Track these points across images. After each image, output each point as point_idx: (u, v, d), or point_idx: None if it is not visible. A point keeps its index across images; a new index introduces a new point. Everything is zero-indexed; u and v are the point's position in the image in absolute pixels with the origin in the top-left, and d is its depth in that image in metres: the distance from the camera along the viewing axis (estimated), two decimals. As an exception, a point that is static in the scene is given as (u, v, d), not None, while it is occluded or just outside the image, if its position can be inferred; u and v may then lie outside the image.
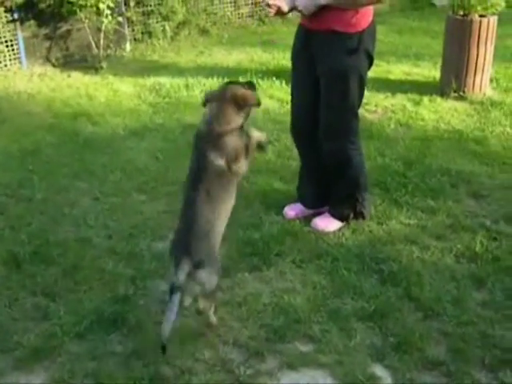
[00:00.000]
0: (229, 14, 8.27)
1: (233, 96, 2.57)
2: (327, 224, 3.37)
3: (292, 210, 3.50)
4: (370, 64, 3.18)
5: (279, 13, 3.06)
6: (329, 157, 3.28)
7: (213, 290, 2.51)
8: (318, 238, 3.26)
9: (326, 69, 3.10)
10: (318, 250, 3.16)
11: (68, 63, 6.92)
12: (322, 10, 2.98)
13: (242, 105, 2.58)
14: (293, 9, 3.07)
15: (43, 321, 2.71)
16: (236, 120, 2.58)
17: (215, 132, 2.55)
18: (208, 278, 2.45)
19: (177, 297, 2.36)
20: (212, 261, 2.47)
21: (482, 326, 2.63)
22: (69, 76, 6.51)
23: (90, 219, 3.55)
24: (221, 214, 2.54)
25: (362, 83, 3.16)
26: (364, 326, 2.64)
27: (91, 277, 2.99)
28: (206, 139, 2.59)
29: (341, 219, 3.39)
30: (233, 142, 2.56)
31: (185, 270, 2.36)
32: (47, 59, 6.94)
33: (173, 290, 2.37)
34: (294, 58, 3.35)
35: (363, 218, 3.41)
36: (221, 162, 2.55)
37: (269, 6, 3.02)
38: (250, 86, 2.78)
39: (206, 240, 2.47)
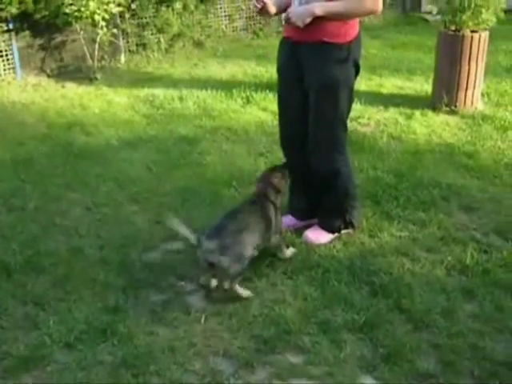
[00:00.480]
0: (223, 27, 8.32)
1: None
2: (318, 236, 3.38)
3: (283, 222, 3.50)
4: (357, 73, 3.20)
5: (265, 12, 3.08)
6: (317, 169, 3.28)
7: (236, 274, 2.82)
8: (309, 250, 3.27)
9: (316, 80, 3.08)
10: (309, 261, 3.16)
11: (62, 74, 6.94)
12: (311, 21, 2.97)
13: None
14: (280, 13, 3.12)
15: (33, 330, 2.70)
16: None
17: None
18: (231, 264, 2.79)
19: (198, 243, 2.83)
20: (238, 253, 2.82)
21: (472, 338, 2.63)
22: (63, 87, 6.52)
23: (81, 229, 3.55)
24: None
25: (350, 93, 3.18)
26: (354, 337, 2.64)
27: (82, 286, 2.98)
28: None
29: (331, 231, 3.39)
30: None
31: (213, 243, 2.79)
32: (42, 69, 6.96)
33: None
34: (281, 72, 3.32)
35: (353, 227, 3.43)
36: None
37: (259, 4, 3.04)
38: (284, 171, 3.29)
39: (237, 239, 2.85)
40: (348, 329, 2.68)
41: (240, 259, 2.82)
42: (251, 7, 8.41)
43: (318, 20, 2.96)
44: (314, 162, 3.27)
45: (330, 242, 3.36)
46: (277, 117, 5.10)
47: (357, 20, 3.11)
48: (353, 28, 3.07)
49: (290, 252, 3.20)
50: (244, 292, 2.88)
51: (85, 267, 3.15)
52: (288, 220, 3.52)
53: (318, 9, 2.93)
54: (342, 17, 2.99)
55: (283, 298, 2.89)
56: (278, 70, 3.34)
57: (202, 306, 2.84)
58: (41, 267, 3.15)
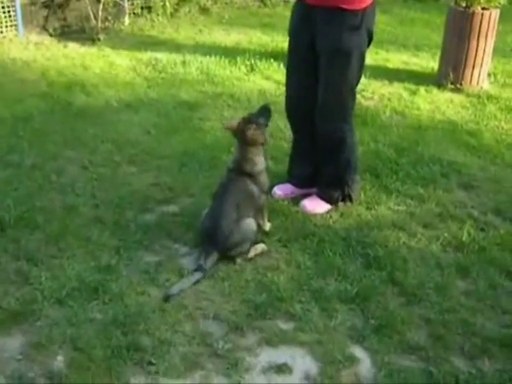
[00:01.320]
0: (231, -7, 8.20)
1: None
2: (315, 206, 3.35)
3: (280, 190, 3.48)
4: (369, 42, 3.17)
5: None
6: (323, 137, 3.26)
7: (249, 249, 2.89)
8: (305, 219, 3.25)
9: (329, 45, 3.06)
10: (304, 230, 3.15)
11: (65, 33, 6.83)
12: None
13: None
14: None
15: (24, 285, 2.69)
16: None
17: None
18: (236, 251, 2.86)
19: (199, 274, 2.73)
20: (240, 239, 2.85)
21: (463, 314, 2.63)
22: (65, 46, 6.43)
23: (77, 188, 3.52)
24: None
25: (362, 61, 3.16)
26: (346, 307, 2.63)
27: (75, 244, 2.97)
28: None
29: (329, 202, 3.37)
30: None
31: (213, 257, 2.80)
32: (44, 28, 6.85)
33: (198, 269, 2.75)
34: (293, 35, 3.29)
35: (351, 201, 3.40)
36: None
37: None
38: (264, 114, 3.04)
39: (232, 231, 2.84)
40: (340, 299, 2.68)
41: (247, 238, 2.88)
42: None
43: None
44: (320, 129, 3.25)
45: (327, 212, 3.33)
46: (280, 86, 5.18)
47: None
48: None
49: (268, 226, 3.13)
50: (258, 248, 2.94)
51: (79, 225, 3.14)
52: (286, 188, 3.50)
53: None
54: None
55: (277, 264, 2.88)
56: (290, 33, 3.31)
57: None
58: (35, 224, 3.13)
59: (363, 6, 3.02)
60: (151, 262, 2.86)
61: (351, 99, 3.24)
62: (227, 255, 2.85)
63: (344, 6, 2.97)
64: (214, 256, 2.81)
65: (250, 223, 2.90)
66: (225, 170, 3.07)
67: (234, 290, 2.69)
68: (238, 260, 2.86)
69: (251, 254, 2.89)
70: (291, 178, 3.54)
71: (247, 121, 2.98)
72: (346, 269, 2.86)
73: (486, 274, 2.91)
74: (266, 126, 3.07)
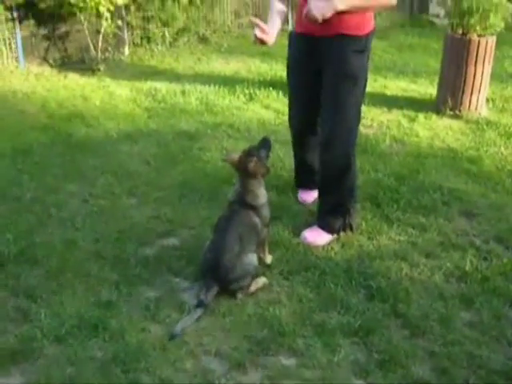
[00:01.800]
0: (229, 22, 8.27)
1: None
2: (316, 237, 3.34)
3: (306, 196, 3.75)
4: None
5: (264, 42, 3.06)
6: (329, 164, 3.32)
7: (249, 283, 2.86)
8: (306, 251, 3.23)
9: (336, 71, 3.16)
10: (306, 262, 3.12)
11: (65, 64, 6.89)
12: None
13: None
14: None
15: (24, 322, 2.67)
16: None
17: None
18: (238, 285, 2.83)
19: (201, 310, 2.70)
20: (242, 273, 2.82)
21: (468, 347, 2.60)
22: (65, 77, 6.47)
23: (77, 221, 3.51)
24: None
25: (365, 83, 3.27)
26: (349, 341, 2.60)
27: (75, 280, 2.95)
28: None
29: (330, 231, 3.36)
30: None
31: (214, 291, 2.77)
32: (45, 59, 6.91)
33: (200, 304, 2.72)
34: (296, 69, 3.38)
35: (352, 230, 3.39)
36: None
37: (256, 38, 3.03)
38: (265, 146, 3.07)
39: (235, 265, 2.81)
40: (343, 332, 2.64)
41: (249, 273, 2.86)
42: (257, 4, 8.38)
43: (336, 14, 2.97)
44: (327, 157, 3.30)
45: (328, 243, 3.32)
46: (279, 115, 5.20)
47: (372, 14, 3.21)
48: (370, 21, 3.18)
49: (269, 259, 3.11)
50: (259, 282, 2.91)
51: (79, 260, 3.12)
52: (305, 195, 3.76)
53: (341, 4, 2.94)
54: (360, 10, 3.07)
55: (278, 298, 2.85)
56: (292, 67, 3.42)
57: (196, 304, 2.79)
58: (34, 259, 3.12)
59: (366, 31, 3.16)
60: (151, 297, 2.84)
61: (357, 124, 3.30)
62: (228, 290, 2.82)
63: (349, 33, 3.10)
64: (215, 290, 2.78)
65: (252, 258, 2.88)
66: (226, 202, 3.05)
67: (235, 326, 2.66)
68: (239, 295, 2.83)
69: (252, 288, 2.86)
70: (310, 183, 3.73)
71: (248, 153, 2.98)
72: (349, 301, 2.83)
73: (490, 304, 2.87)
74: (267, 158, 3.07)
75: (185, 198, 3.77)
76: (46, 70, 6.70)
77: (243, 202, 2.94)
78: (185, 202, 3.74)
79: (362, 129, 4.89)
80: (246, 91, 5.83)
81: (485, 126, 5.13)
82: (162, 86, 6.05)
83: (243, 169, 2.95)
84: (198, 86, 6.05)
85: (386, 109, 5.53)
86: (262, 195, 2.99)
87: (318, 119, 3.36)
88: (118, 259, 3.13)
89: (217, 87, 5.97)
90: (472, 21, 5.21)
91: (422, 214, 3.64)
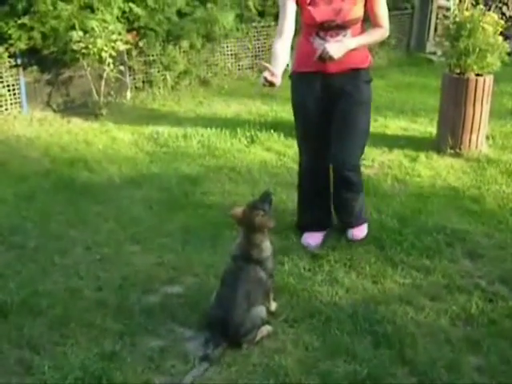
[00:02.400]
0: (229, 65, 8.40)
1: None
2: (362, 232, 3.85)
3: (312, 240, 3.81)
4: None
5: (271, 85, 3.23)
6: (352, 178, 3.71)
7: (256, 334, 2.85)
8: (311, 296, 3.21)
9: (354, 100, 3.58)
10: (311, 308, 3.10)
11: (68, 109, 6.99)
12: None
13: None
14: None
15: (26, 376, 2.64)
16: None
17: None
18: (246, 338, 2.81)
19: (207, 364, 2.67)
20: (251, 327, 2.81)
21: (477, 393, 2.56)
22: (68, 122, 6.55)
23: (80, 269, 3.50)
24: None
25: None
26: (356, 390, 2.57)
27: (78, 330, 2.92)
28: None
29: (364, 222, 3.89)
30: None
31: (222, 347, 2.75)
32: (48, 104, 7.01)
33: (206, 359, 2.69)
34: (307, 106, 3.63)
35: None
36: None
37: (266, 80, 3.18)
38: (267, 199, 3.06)
39: (244, 321, 2.79)
40: (350, 381, 2.60)
41: (257, 326, 2.85)
42: (257, 46, 8.52)
43: (349, 51, 3.40)
44: (349, 172, 3.68)
45: (332, 287, 3.30)
46: (281, 157, 5.24)
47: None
48: (369, 54, 3.70)
49: (274, 306, 3.06)
50: (264, 331, 2.88)
51: (82, 310, 3.10)
52: (317, 236, 3.83)
53: (353, 43, 3.41)
54: (367, 45, 3.62)
55: (284, 347, 2.82)
56: (302, 104, 3.67)
57: (201, 354, 2.75)
58: (38, 309, 3.09)
59: (369, 63, 3.68)
60: (155, 347, 2.81)
61: (366, 140, 3.78)
62: (236, 344, 2.79)
63: (358, 67, 3.57)
64: (223, 346, 2.75)
65: (259, 310, 2.86)
66: (229, 256, 3.02)
67: (240, 376, 2.62)
68: (245, 345, 2.80)
69: (258, 337, 2.83)
70: (315, 224, 3.88)
71: (253, 207, 2.97)
72: (355, 348, 2.79)
73: (498, 347, 2.83)
74: (270, 211, 3.06)
75: (188, 244, 3.77)
76: (49, 115, 6.79)
77: (248, 257, 2.91)
78: (188, 248, 3.73)
79: (363, 169, 4.93)
80: (247, 133, 5.88)
81: (486, 164, 5.16)
82: (163, 130, 6.11)
83: (248, 223, 2.93)
84: (200, 129, 6.11)
85: (386, 149, 5.57)
86: (266, 248, 2.97)
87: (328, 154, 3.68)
88: (122, 308, 3.11)
89: (218, 130, 6.03)
90: (469, 61, 5.28)
91: (425, 256, 3.63)
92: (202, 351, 2.75)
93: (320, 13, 3.41)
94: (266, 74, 3.18)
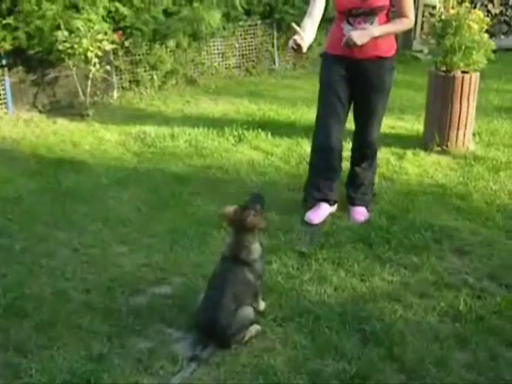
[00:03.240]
0: (216, 64, 8.36)
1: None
2: (363, 215, 4.08)
3: (316, 216, 4.03)
4: None
5: (300, 51, 3.65)
6: (371, 150, 4.18)
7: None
8: (299, 295, 3.21)
9: (376, 86, 3.90)
10: (299, 307, 3.10)
11: (54, 109, 6.92)
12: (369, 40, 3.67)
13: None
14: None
15: (13, 379, 2.61)
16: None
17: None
18: (234, 339, 2.81)
19: (195, 365, 2.66)
20: (239, 328, 2.81)
21: (466, 389, 2.57)
22: (54, 122, 6.50)
23: (67, 271, 3.47)
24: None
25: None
26: (345, 389, 2.57)
27: (66, 333, 2.90)
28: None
29: (367, 206, 4.16)
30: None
31: (210, 348, 2.75)
32: (34, 105, 6.94)
33: (194, 359, 2.69)
34: (331, 84, 3.91)
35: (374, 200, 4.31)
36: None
37: (296, 45, 3.60)
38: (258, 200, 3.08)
39: (231, 322, 2.79)
40: (339, 379, 2.61)
41: (245, 327, 2.85)
42: (243, 45, 8.50)
43: (371, 39, 3.64)
44: (366, 151, 4.18)
45: (321, 286, 3.30)
46: (268, 156, 5.24)
47: (394, 37, 3.96)
48: (394, 44, 3.95)
49: (262, 305, 3.06)
50: (252, 330, 2.88)
51: (70, 312, 3.07)
52: (313, 214, 4.04)
53: (377, 31, 3.66)
54: (392, 33, 3.83)
55: (273, 346, 2.82)
56: (329, 83, 3.93)
57: (189, 354, 2.74)
58: (24, 312, 3.07)
59: (394, 52, 3.95)
60: (144, 348, 2.80)
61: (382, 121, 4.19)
62: (224, 345, 2.79)
63: (383, 55, 3.83)
64: (212, 348, 2.75)
65: (247, 311, 2.86)
66: (219, 256, 3.00)
67: (229, 377, 2.61)
68: (233, 346, 2.79)
69: (246, 337, 2.83)
70: (322, 200, 4.09)
71: (245, 207, 2.95)
72: (344, 346, 2.80)
73: (486, 344, 2.85)
74: (262, 212, 3.05)
75: (176, 245, 3.75)
76: (35, 115, 6.73)
77: (237, 258, 2.89)
78: (176, 248, 3.71)
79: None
80: (235, 133, 5.87)
81: (472, 161, 5.18)
82: (151, 130, 6.07)
83: (239, 223, 2.91)
84: (187, 128, 6.08)
85: (374, 146, 5.56)
86: (255, 250, 2.94)
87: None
88: (109, 310, 3.09)
89: (205, 129, 6.01)
90: (455, 58, 5.29)
91: (414, 254, 3.64)
92: (191, 352, 2.74)
93: (348, 0, 3.70)
94: (296, 36, 3.58)
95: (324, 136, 4.03)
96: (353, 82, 3.90)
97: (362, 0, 3.67)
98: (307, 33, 3.70)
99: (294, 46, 3.61)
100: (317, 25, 3.81)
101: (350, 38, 3.60)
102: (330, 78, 3.94)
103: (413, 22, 3.85)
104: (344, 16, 3.78)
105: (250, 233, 2.92)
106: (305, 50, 3.64)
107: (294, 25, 3.69)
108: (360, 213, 4.10)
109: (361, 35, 3.61)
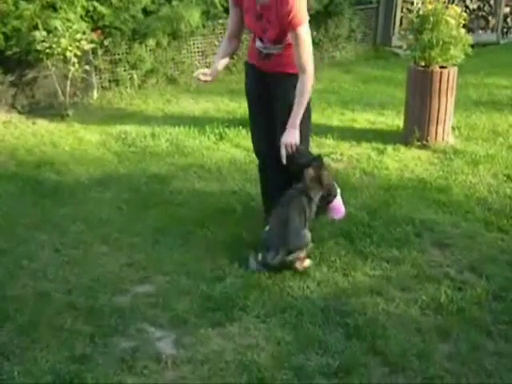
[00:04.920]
0: (196, 62, 8.34)
1: None
2: (339, 209, 4.05)
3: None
4: None
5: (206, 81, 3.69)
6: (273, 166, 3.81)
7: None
8: (282, 291, 3.21)
9: (282, 104, 3.60)
10: (282, 303, 3.11)
11: (34, 110, 6.85)
12: (276, 56, 3.55)
13: None
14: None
15: (-4, 382, 2.60)
16: None
17: None
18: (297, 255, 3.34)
19: (265, 270, 3.33)
20: (303, 243, 3.38)
21: (448, 380, 2.60)
22: (34, 123, 6.44)
23: (49, 272, 3.44)
24: None
25: (309, 111, 3.67)
26: (329, 383, 2.57)
27: (48, 334, 2.88)
28: None
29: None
30: None
31: (281, 256, 3.30)
32: (13, 106, 6.86)
33: (265, 265, 3.32)
34: (254, 96, 3.84)
35: None
36: None
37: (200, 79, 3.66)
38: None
39: (300, 232, 3.38)
40: (322, 374, 2.62)
41: (306, 245, 3.42)
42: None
43: (279, 57, 3.54)
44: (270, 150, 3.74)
45: (304, 282, 3.32)
46: (250, 153, 5.22)
47: None
48: None
49: (307, 263, 3.45)
50: (307, 262, 3.41)
51: (52, 313, 3.05)
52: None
53: (297, 121, 3.49)
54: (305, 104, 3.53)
55: (256, 342, 2.82)
56: (251, 92, 3.87)
57: (173, 352, 2.75)
58: (6, 314, 3.03)
59: None
60: (127, 348, 2.78)
61: (307, 136, 3.79)
62: (289, 258, 3.30)
63: (290, 71, 3.52)
64: (282, 255, 3.27)
65: (307, 233, 3.42)
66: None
67: (214, 374, 2.61)
68: (297, 265, 3.35)
69: (305, 263, 3.38)
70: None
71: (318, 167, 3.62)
72: (327, 341, 2.81)
73: (467, 335, 2.89)
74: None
75: (158, 244, 3.74)
76: (14, 117, 6.66)
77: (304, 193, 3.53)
78: (158, 247, 3.70)
79: (332, 163, 5.00)
80: (216, 131, 5.86)
81: (452, 155, 5.23)
82: (131, 129, 6.04)
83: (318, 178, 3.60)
84: (168, 127, 6.06)
85: (354, 142, 5.61)
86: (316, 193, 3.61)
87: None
88: (92, 310, 3.07)
89: (186, 128, 5.99)
90: (433, 53, 5.34)
91: (395, 247, 3.67)
92: (263, 260, 3.31)
93: (252, 24, 3.55)
94: (201, 75, 3.65)
95: (256, 145, 3.99)
96: (266, 91, 3.71)
97: (263, 31, 3.51)
98: (218, 59, 3.72)
99: (201, 79, 3.67)
100: (233, 45, 3.77)
101: (283, 145, 3.50)
102: (249, 85, 3.87)
103: (310, 78, 3.45)
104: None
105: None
106: (210, 80, 3.68)
107: (195, 74, 3.74)
108: (336, 208, 4.04)
109: (289, 137, 3.49)
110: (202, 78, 3.65)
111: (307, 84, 3.44)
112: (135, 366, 2.67)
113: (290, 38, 3.43)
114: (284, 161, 3.52)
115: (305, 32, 3.39)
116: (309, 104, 3.59)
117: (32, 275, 3.43)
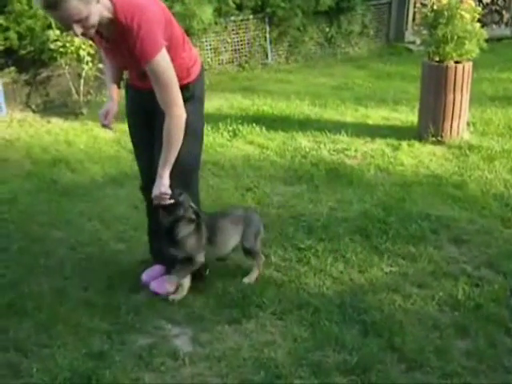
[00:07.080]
0: (209, 60, 8.35)
1: None
2: (163, 286, 3.22)
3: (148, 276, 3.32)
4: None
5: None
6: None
7: None
8: (298, 288, 3.21)
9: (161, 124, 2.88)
10: (298, 300, 3.10)
11: (48, 109, 6.90)
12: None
13: None
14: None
15: (14, 378, 2.61)
16: None
17: None
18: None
19: None
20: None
21: (466, 377, 2.58)
22: (48, 122, 6.48)
23: (66, 270, 3.47)
24: None
25: (200, 130, 3.22)
26: (346, 379, 2.57)
27: (66, 331, 2.90)
28: None
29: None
30: None
31: None
32: (27, 105, 6.92)
33: None
34: (133, 118, 3.27)
35: None
36: None
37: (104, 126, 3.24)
38: None
39: None
40: (340, 371, 2.61)
41: None
42: (236, 40, 8.49)
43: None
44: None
45: (319, 279, 3.31)
46: (264, 150, 5.24)
47: (198, 58, 3.12)
48: (194, 67, 3.03)
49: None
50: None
51: (69, 310, 3.07)
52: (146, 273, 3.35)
53: (165, 171, 2.87)
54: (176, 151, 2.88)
55: (273, 339, 2.82)
56: (130, 116, 3.29)
57: (190, 349, 2.76)
58: (24, 311, 3.06)
59: (191, 79, 3.01)
60: (144, 345, 2.80)
61: (194, 170, 3.24)
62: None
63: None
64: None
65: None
66: None
67: (231, 371, 2.61)
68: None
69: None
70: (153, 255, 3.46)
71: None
72: (344, 338, 2.80)
73: (485, 331, 2.87)
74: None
75: (173, 241, 3.74)
76: (29, 115, 6.71)
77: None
78: (174, 244, 3.71)
79: (346, 160, 4.99)
80: (230, 128, 5.86)
81: (467, 151, 5.19)
82: (145, 127, 6.04)
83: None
84: (182, 124, 6.06)
85: (369, 138, 5.58)
86: None
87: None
88: (109, 307, 3.08)
89: (200, 125, 5.98)
90: (448, 48, 5.30)
91: (411, 244, 3.65)
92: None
93: (117, 63, 3.09)
94: (103, 120, 3.24)
95: (142, 176, 3.37)
96: (146, 115, 3.09)
97: (140, 79, 2.91)
98: (110, 86, 3.22)
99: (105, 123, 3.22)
100: (114, 70, 3.19)
101: (155, 198, 2.95)
102: (129, 110, 3.26)
103: (180, 120, 2.81)
104: None
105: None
106: (114, 111, 3.20)
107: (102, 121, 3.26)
108: (159, 282, 3.25)
109: (158, 189, 2.90)
110: (105, 122, 3.23)
111: (174, 129, 2.82)
112: (152, 362, 2.68)
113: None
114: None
115: (160, 66, 2.71)
116: (197, 119, 3.09)
117: (49, 273, 3.46)
